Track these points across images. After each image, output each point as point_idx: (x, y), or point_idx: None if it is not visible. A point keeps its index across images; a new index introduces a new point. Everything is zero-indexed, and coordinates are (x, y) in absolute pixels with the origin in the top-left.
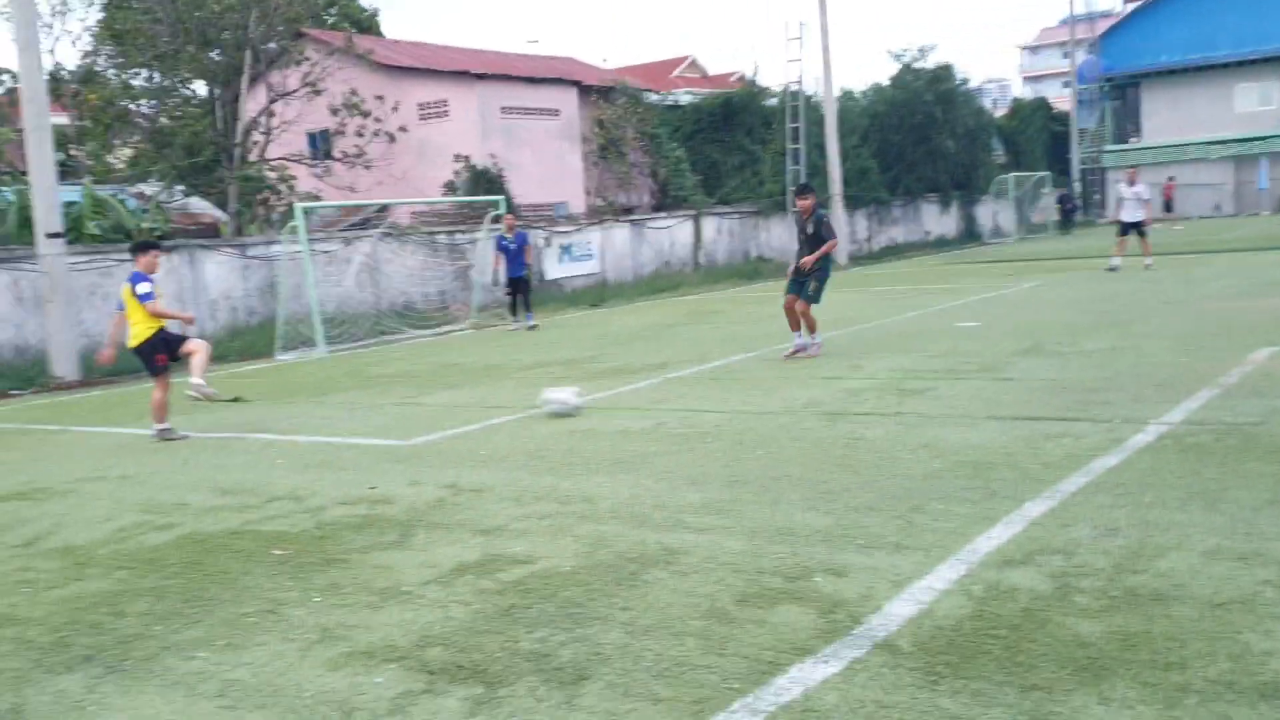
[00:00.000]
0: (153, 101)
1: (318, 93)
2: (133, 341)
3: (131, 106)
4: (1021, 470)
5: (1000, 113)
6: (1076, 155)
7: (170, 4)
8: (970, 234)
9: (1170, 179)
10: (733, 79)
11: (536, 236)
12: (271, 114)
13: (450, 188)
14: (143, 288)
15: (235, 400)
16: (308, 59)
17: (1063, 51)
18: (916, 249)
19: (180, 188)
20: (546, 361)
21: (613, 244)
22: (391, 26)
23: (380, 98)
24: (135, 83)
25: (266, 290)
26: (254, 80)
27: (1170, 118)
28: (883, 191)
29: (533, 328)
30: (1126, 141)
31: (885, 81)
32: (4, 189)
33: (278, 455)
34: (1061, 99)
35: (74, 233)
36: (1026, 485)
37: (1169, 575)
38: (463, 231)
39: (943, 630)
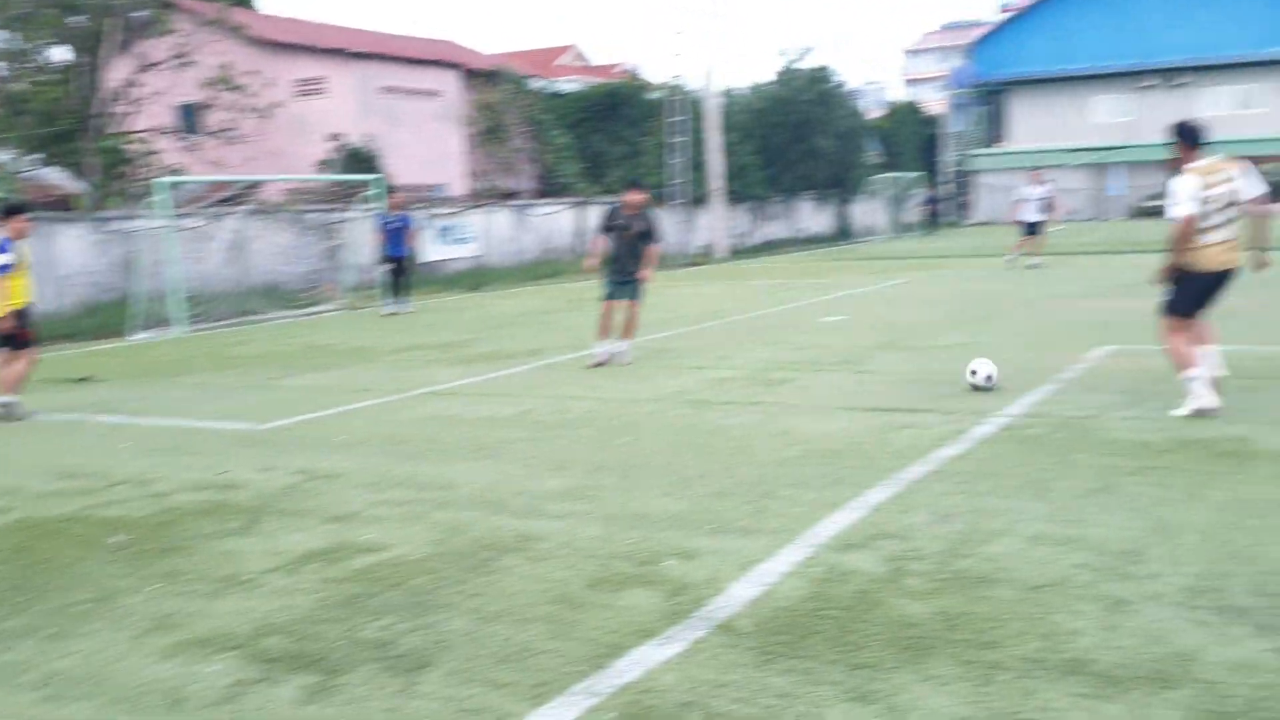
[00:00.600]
0: (7, 65)
1: (188, 65)
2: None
3: None
4: (869, 459)
5: (877, 114)
6: (946, 157)
7: None
8: (844, 231)
9: (1049, 182)
10: (616, 70)
11: (416, 218)
12: (137, 84)
13: (325, 165)
14: (3, 258)
15: (84, 380)
16: (178, 29)
17: (940, 57)
18: (793, 245)
19: (36, 156)
20: (419, 345)
21: (494, 228)
22: (269, 1)
23: (256, 72)
24: None
25: (124, 266)
26: (121, 48)
27: (1035, 125)
28: (762, 188)
29: (409, 313)
30: (994, 146)
31: (769, 80)
32: None
33: (124, 438)
34: (938, 102)
35: None
36: (872, 473)
37: (995, 559)
38: (336, 210)
39: (781, 611)
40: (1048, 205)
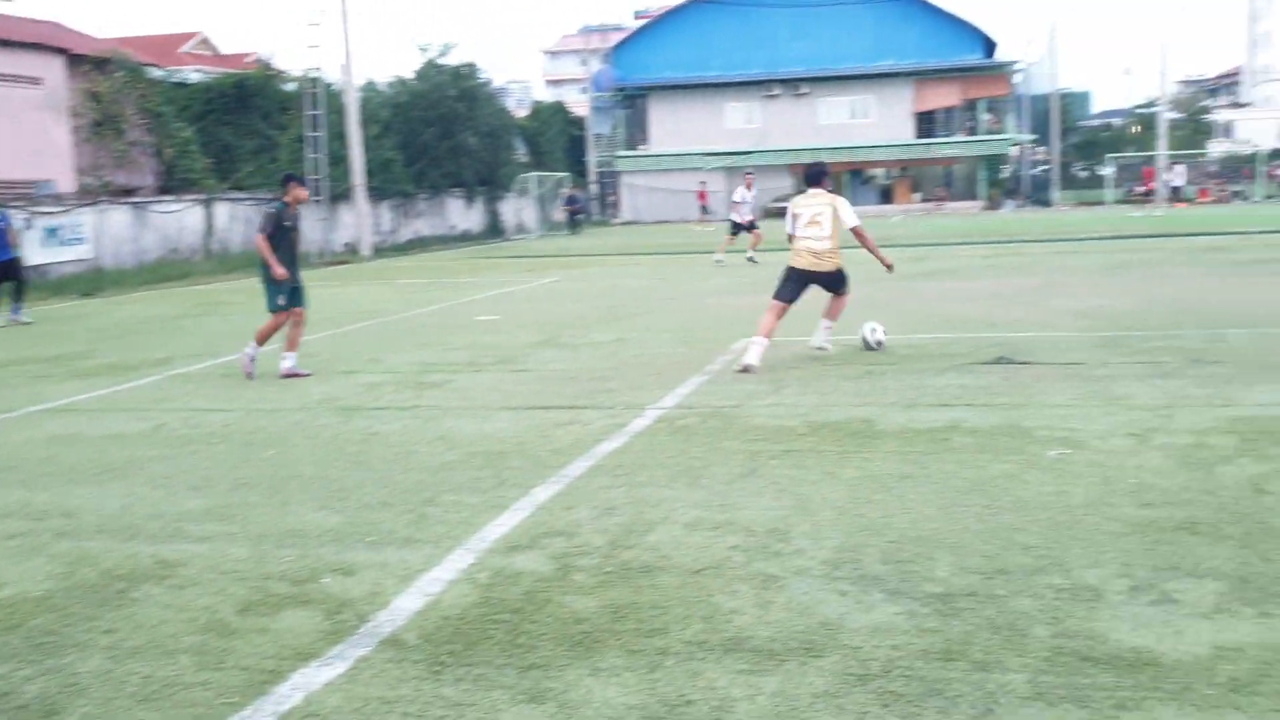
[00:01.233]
0: None
1: None
2: None
3: None
4: (532, 458)
5: (522, 114)
6: (592, 158)
7: None
8: (495, 229)
9: (702, 183)
10: (248, 60)
11: (15, 217)
12: None
13: None
14: None
15: None
16: None
17: (580, 59)
18: (442, 242)
19: None
20: (25, 359)
21: (110, 228)
22: None
23: None
24: None
25: None
26: None
27: (673, 129)
28: (407, 184)
29: (27, 324)
30: (636, 148)
31: (410, 74)
32: None
33: None
34: (580, 104)
35: None
36: (536, 472)
37: (656, 548)
38: None
39: (449, 620)
40: (756, 206)
